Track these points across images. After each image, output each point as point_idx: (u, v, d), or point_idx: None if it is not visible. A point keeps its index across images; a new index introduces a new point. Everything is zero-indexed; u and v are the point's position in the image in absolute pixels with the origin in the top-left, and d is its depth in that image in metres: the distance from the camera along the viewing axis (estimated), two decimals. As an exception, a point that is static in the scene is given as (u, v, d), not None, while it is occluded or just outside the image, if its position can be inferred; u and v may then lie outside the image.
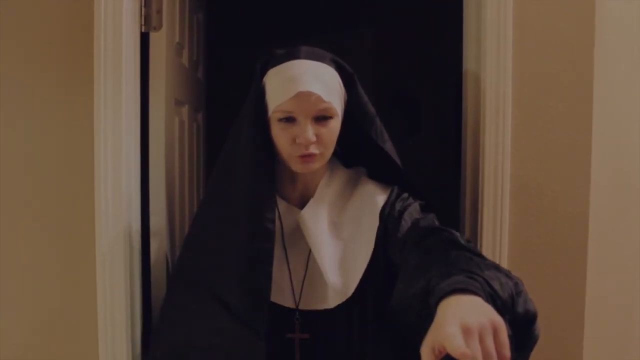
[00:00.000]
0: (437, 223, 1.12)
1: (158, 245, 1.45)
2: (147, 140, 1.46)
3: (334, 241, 1.16)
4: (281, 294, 1.17)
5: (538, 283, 1.41)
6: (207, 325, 1.12)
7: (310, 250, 1.16)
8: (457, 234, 1.05)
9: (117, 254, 1.33)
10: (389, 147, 1.19)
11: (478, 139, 1.43)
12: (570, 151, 1.40)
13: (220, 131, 1.24)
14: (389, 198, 1.19)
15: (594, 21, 1.38)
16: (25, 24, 1.35)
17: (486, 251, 1.40)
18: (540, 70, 1.39)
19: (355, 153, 1.26)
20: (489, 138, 1.40)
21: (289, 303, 1.17)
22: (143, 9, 1.43)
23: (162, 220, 1.47)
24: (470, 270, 0.86)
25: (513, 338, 0.79)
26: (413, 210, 1.15)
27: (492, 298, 0.82)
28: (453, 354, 0.69)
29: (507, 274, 0.91)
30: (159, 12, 1.46)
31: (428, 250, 1.01)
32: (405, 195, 1.19)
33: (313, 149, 1.08)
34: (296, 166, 1.12)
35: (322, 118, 1.09)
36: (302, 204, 1.20)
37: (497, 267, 0.93)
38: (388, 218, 1.16)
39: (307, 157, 1.09)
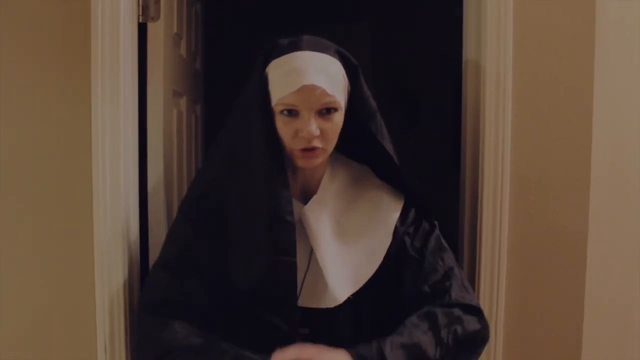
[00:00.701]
0: (453, 261, 1.18)
1: (157, 238, 1.43)
2: (145, 131, 1.45)
3: (338, 242, 1.16)
4: None
5: (537, 281, 1.42)
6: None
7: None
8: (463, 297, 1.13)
9: (115, 245, 1.32)
10: (387, 144, 1.18)
11: (478, 134, 1.43)
12: (570, 148, 1.40)
13: (218, 123, 1.22)
14: (403, 217, 1.19)
15: (594, 19, 1.38)
16: (22, 14, 1.33)
17: (485, 248, 1.40)
18: (541, 68, 1.39)
19: (354, 146, 1.24)
20: (489, 134, 1.39)
21: None
22: (141, -1, 1.41)
23: (161, 213, 1.46)
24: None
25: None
26: (434, 249, 1.18)
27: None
28: None
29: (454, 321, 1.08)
30: (157, 2, 1.44)
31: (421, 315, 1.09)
32: (413, 213, 1.21)
33: (316, 143, 1.07)
34: (298, 161, 1.11)
35: (325, 111, 1.07)
36: (303, 197, 1.19)
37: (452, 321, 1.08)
38: (403, 238, 1.18)
39: (309, 152, 1.08)
